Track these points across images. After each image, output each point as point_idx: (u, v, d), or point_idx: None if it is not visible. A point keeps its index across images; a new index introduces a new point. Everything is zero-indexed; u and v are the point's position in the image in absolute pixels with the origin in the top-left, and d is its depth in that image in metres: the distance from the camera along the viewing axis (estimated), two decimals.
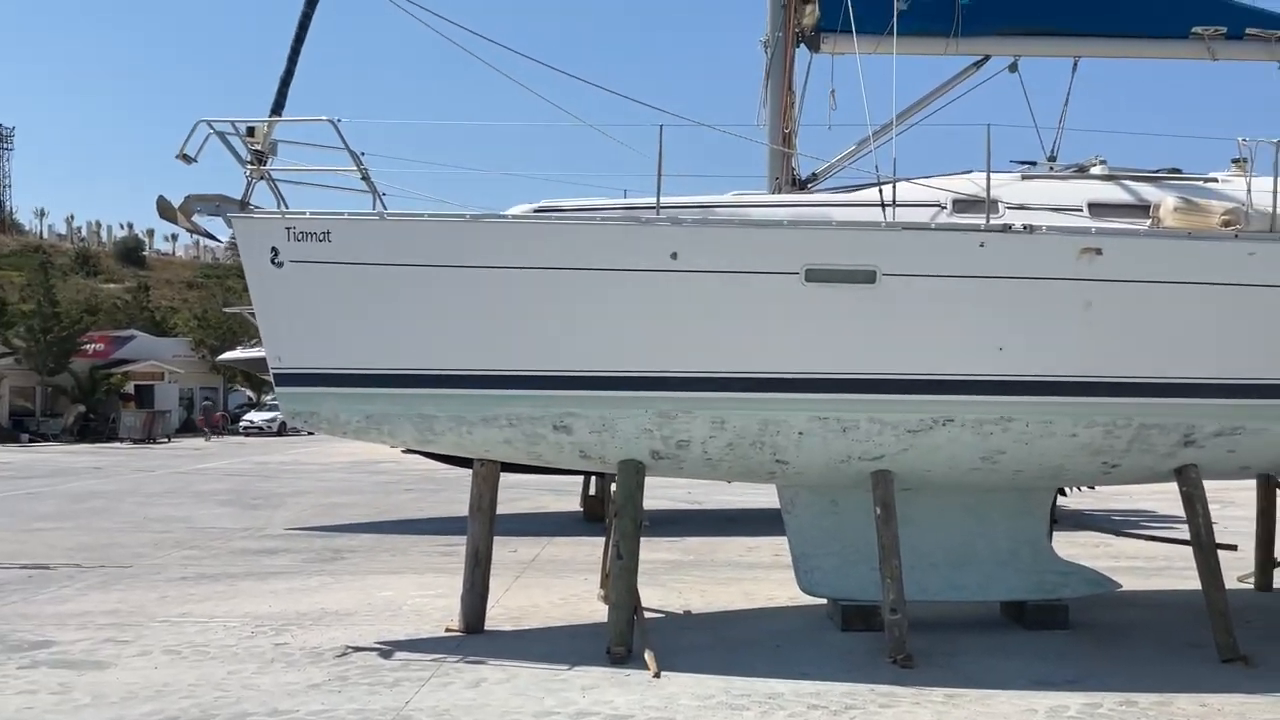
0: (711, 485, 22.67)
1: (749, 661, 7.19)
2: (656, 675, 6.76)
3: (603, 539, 13.94)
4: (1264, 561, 10.20)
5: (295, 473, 25.85)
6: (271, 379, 7.75)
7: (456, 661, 7.13)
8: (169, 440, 44.18)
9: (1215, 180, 8.23)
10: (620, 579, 7.41)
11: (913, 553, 7.92)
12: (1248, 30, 8.78)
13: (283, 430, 47.43)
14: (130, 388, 50.39)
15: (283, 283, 7.41)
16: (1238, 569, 10.62)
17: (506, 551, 11.72)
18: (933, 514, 8.28)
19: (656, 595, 9.43)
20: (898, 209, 7.36)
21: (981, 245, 7.00)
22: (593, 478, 16.82)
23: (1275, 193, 7.26)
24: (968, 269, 7.01)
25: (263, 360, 8.74)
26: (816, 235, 7.00)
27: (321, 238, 7.37)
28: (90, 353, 49.50)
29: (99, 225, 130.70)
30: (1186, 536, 8.70)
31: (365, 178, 7.56)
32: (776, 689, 6.50)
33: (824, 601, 8.83)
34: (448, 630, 8.11)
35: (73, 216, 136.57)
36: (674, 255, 7.04)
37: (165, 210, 7.49)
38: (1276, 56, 8.88)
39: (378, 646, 7.57)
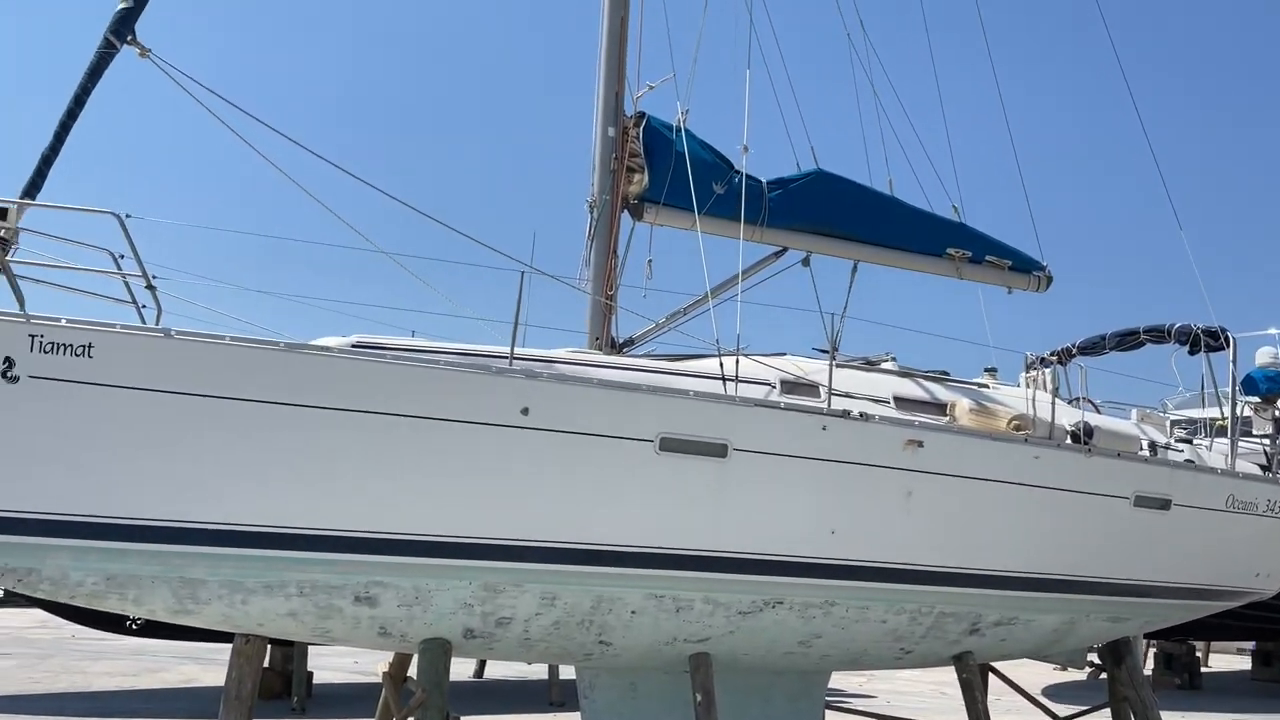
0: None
1: None
2: None
3: (290, 719, 12.21)
4: None
5: None
6: None
7: None
8: None
9: (986, 386, 9.12)
10: None
11: None
12: (987, 257, 10.05)
13: None
14: None
15: (12, 402, 5.87)
16: None
17: None
18: (723, 696, 8.01)
19: None
20: (732, 385, 7.34)
21: (824, 428, 7.12)
22: (266, 644, 14.77)
23: (1053, 405, 8.14)
24: (809, 450, 7.07)
25: None
26: (673, 403, 6.74)
27: (80, 352, 5.96)
28: None
29: None
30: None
31: (149, 285, 6.33)
32: None
33: None
34: None
35: None
36: (525, 411, 6.45)
37: None
38: (1006, 282, 10.24)
39: None
